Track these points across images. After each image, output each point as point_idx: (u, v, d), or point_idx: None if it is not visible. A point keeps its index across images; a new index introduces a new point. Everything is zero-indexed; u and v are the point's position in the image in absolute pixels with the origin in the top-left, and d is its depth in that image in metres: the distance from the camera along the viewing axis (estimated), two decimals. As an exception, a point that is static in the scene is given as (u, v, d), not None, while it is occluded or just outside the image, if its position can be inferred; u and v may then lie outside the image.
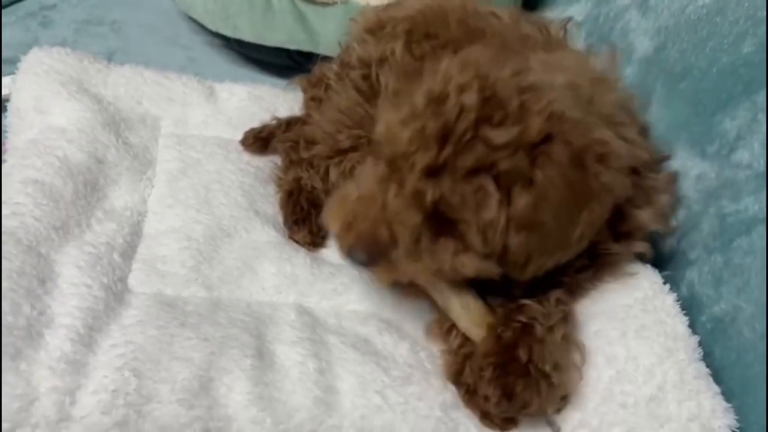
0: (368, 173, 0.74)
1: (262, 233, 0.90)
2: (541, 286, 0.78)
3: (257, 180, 0.98)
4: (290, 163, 1.00)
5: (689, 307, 0.86)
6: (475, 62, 0.70)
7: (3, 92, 1.06)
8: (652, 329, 0.78)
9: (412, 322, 0.84)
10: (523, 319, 0.75)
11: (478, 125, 0.66)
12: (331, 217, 0.75)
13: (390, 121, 0.71)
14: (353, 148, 0.96)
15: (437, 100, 0.68)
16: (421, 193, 0.67)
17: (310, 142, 0.99)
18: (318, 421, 0.71)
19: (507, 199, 0.67)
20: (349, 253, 0.73)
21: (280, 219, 0.95)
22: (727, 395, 0.78)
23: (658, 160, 0.88)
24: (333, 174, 0.97)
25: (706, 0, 1.01)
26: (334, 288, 0.86)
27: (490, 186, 0.66)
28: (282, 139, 1.02)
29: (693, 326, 0.84)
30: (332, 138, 0.97)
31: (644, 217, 0.81)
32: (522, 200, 0.67)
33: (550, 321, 0.76)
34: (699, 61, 0.98)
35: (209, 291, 0.82)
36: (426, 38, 0.98)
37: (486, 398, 0.72)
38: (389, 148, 0.70)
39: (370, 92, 0.97)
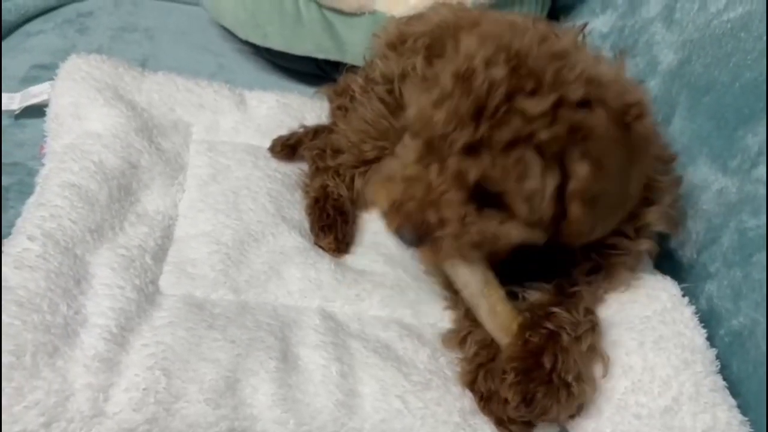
0: (408, 153, 0.76)
1: (289, 238, 0.93)
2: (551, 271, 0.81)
3: (284, 186, 1.01)
4: (317, 171, 1.02)
5: (708, 319, 0.87)
6: (495, 35, 0.71)
7: (42, 98, 1.10)
8: (670, 341, 0.79)
9: (432, 329, 0.86)
10: (550, 326, 0.76)
11: (511, 97, 0.66)
12: (378, 197, 0.77)
13: (422, 105, 0.72)
14: (377, 159, 0.99)
15: (464, 78, 0.68)
16: (462, 172, 0.69)
17: (337, 151, 1.01)
18: (340, 423, 0.73)
19: (560, 169, 0.69)
20: (398, 232, 0.74)
21: (306, 225, 0.97)
22: (744, 408, 0.79)
23: (668, 160, 0.88)
24: (358, 183, 1.00)
25: (731, 15, 1.02)
26: (357, 294, 0.88)
27: (532, 157, 0.67)
28: (309, 147, 1.05)
29: (711, 339, 0.85)
30: (357, 148, 0.99)
31: (651, 215, 0.82)
32: (582, 171, 0.68)
33: (578, 331, 0.77)
34: (722, 75, 0.99)
35: (237, 294, 0.85)
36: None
37: (505, 402, 0.73)
38: (425, 130, 0.72)
39: (394, 105, 1.00)
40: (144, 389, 0.70)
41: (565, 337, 0.76)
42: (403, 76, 1.00)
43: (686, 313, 0.84)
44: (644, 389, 0.76)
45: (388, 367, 0.78)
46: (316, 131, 1.08)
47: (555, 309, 0.78)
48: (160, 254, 0.87)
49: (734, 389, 0.81)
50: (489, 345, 0.79)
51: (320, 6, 1.20)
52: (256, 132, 1.10)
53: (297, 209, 0.99)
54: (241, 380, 0.74)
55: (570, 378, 0.74)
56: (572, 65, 0.69)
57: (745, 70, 0.95)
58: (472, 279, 0.78)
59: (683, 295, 0.85)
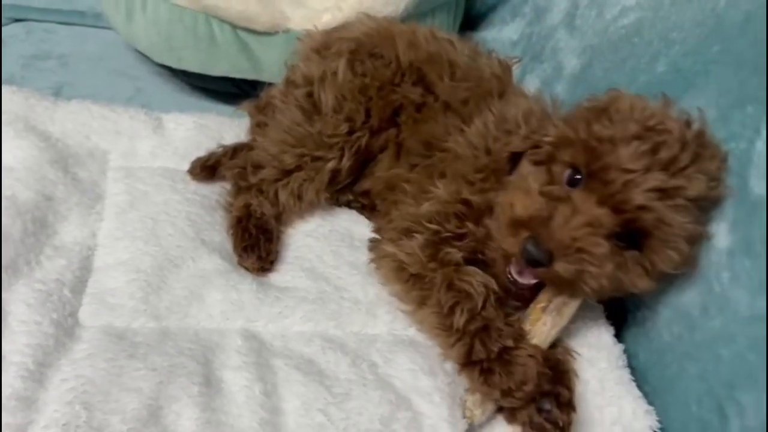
0: (543, 173, 0.79)
1: (209, 261, 0.93)
2: None
3: (204, 209, 1.01)
4: (239, 190, 1.03)
5: (615, 314, 0.91)
6: (671, 102, 0.80)
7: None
8: (576, 340, 0.83)
9: (356, 336, 0.88)
10: (561, 351, 0.83)
11: (696, 159, 0.74)
12: (515, 205, 0.77)
13: (597, 135, 0.75)
14: (298, 168, 1.00)
15: (654, 131, 0.74)
16: (636, 209, 0.72)
17: (257, 167, 1.02)
18: (264, 442, 0.75)
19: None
20: (528, 246, 0.74)
21: (228, 246, 0.98)
22: (651, 395, 0.84)
23: None
24: (282, 196, 1.01)
25: (625, 21, 1.07)
26: (279, 311, 0.89)
27: (698, 216, 0.75)
28: (229, 166, 1.05)
29: (620, 332, 0.90)
30: (277, 159, 1.01)
31: None
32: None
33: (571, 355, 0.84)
34: (620, 79, 1.04)
35: (158, 321, 0.85)
36: (370, 57, 1.03)
37: (558, 393, 0.78)
38: (594, 160, 0.74)
39: (312, 110, 1.02)
40: (64, 425, 0.70)
41: (570, 364, 0.82)
42: (323, 79, 1.03)
43: (594, 311, 0.88)
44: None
45: (311, 382, 0.80)
46: (236, 150, 1.09)
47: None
48: (78, 286, 0.87)
49: (642, 377, 0.86)
50: (479, 314, 0.80)
51: (234, 27, 1.21)
52: (174, 155, 1.10)
53: (218, 231, 0.99)
54: (164, 407, 0.75)
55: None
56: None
57: (639, 73, 1.01)
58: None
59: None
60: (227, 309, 0.88)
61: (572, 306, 0.81)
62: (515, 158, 0.87)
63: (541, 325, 0.80)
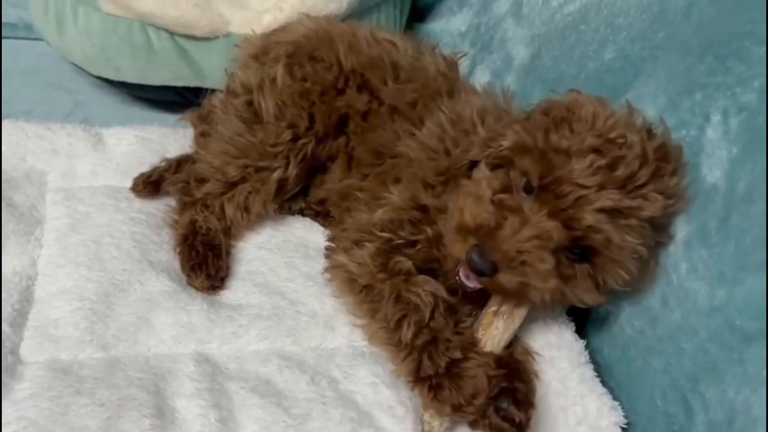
0: (495, 180, 0.76)
1: (157, 284, 0.89)
2: None
3: (150, 228, 0.97)
4: (184, 205, 0.99)
5: (578, 310, 0.89)
6: (635, 111, 0.77)
7: None
8: (537, 341, 0.82)
9: (314, 352, 0.86)
10: (521, 351, 0.82)
11: (654, 177, 0.71)
12: (464, 213, 0.75)
13: (554, 145, 0.72)
14: (243, 179, 0.97)
15: (614, 143, 0.71)
16: (586, 228, 0.70)
17: (200, 181, 0.98)
18: (222, 471, 0.72)
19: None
20: (473, 254, 0.72)
21: (177, 265, 0.94)
22: (617, 390, 0.82)
23: None
24: (229, 209, 0.97)
25: (571, 8, 1.05)
26: (233, 331, 0.86)
27: (651, 235, 0.73)
28: (173, 181, 1.01)
29: (584, 327, 0.89)
30: (221, 172, 0.97)
31: None
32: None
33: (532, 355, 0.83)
34: (569, 67, 1.02)
35: (105, 350, 0.82)
36: (310, 61, 1.00)
37: (514, 390, 0.76)
38: (547, 171, 0.71)
39: (253, 119, 0.99)
40: (6, 472, 0.66)
41: (531, 366, 0.81)
42: (261, 86, 1.00)
43: (555, 309, 0.87)
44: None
45: (268, 405, 0.77)
46: (180, 163, 1.05)
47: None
48: (19, 320, 0.83)
49: (607, 372, 0.85)
50: (427, 326, 0.78)
51: (172, 34, 1.16)
52: (116, 172, 1.05)
53: (165, 250, 0.95)
54: (114, 444, 0.71)
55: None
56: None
57: (588, 61, 0.99)
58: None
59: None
60: (178, 333, 0.85)
61: (524, 309, 0.80)
62: (474, 162, 0.84)
63: (494, 329, 0.79)
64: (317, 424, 0.76)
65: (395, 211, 0.87)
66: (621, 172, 0.70)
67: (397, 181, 0.91)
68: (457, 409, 0.74)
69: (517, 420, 0.76)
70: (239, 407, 0.77)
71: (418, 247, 0.83)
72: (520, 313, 0.79)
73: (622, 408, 0.80)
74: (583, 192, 0.69)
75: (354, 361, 0.84)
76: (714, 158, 0.76)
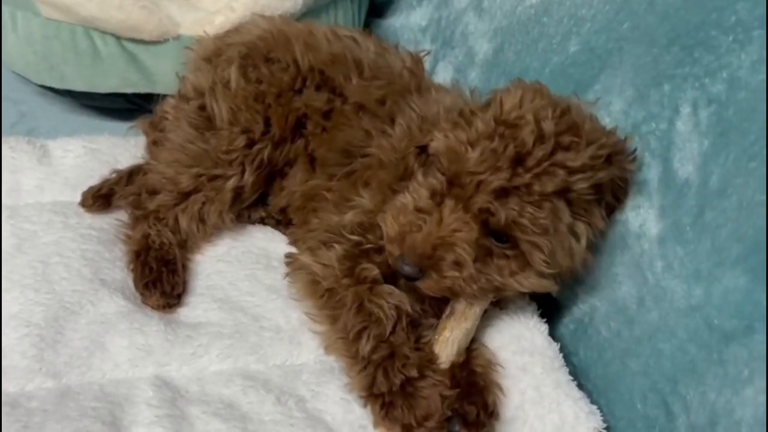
0: (422, 187, 0.75)
1: (111, 304, 0.84)
2: None
3: (101, 244, 0.92)
4: (137, 219, 0.94)
5: (550, 310, 0.87)
6: (539, 90, 0.75)
7: None
8: (507, 349, 0.79)
9: (280, 369, 0.82)
10: (482, 363, 0.79)
11: (555, 151, 0.69)
12: (388, 226, 0.75)
13: (454, 140, 0.71)
14: (196, 189, 0.93)
15: (510, 125, 0.70)
16: (487, 212, 0.69)
17: (152, 192, 0.94)
18: (186, 503, 0.68)
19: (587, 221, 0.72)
20: (400, 264, 0.73)
21: (131, 284, 0.89)
22: (594, 394, 0.80)
23: None
24: (183, 221, 0.93)
25: (533, 0, 1.02)
26: (192, 352, 0.81)
27: (565, 210, 0.69)
28: (124, 194, 0.96)
29: (557, 329, 0.86)
30: (172, 182, 0.93)
31: None
32: (601, 224, 0.74)
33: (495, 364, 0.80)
34: (533, 61, 0.99)
35: (56, 379, 0.77)
36: (265, 62, 0.96)
37: (464, 413, 0.73)
38: (452, 166, 0.71)
39: (205, 125, 0.94)
40: None
41: (492, 376, 0.78)
42: (214, 90, 0.95)
43: (526, 312, 0.84)
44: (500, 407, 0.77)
45: (232, 430, 0.73)
46: (131, 174, 1.00)
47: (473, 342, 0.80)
48: (-40, 350, 0.77)
49: (584, 375, 0.82)
50: (387, 340, 0.75)
51: (118, 38, 1.11)
52: (65, 186, 1.00)
53: (119, 267, 0.90)
54: (67, 482, 0.67)
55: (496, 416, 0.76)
56: (593, 121, 0.77)
57: (552, 54, 0.96)
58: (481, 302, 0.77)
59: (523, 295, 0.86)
60: (134, 356, 0.80)
61: (477, 308, 0.77)
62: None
63: (447, 332, 0.76)
64: (285, 448, 0.72)
65: (366, 215, 0.84)
66: (510, 151, 0.68)
67: (368, 183, 0.87)
68: (407, 429, 0.72)
69: None
70: (201, 433, 0.73)
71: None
72: (473, 312, 0.77)
73: (601, 412, 0.77)
74: (478, 178, 0.69)
75: (322, 378, 0.80)
76: (685, 152, 0.74)
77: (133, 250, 0.90)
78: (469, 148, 0.70)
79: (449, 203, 0.72)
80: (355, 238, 0.82)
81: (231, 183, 0.93)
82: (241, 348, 0.83)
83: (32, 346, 0.78)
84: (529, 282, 0.74)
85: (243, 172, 0.93)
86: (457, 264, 0.71)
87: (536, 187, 0.68)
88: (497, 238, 0.72)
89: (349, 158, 0.91)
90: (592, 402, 0.78)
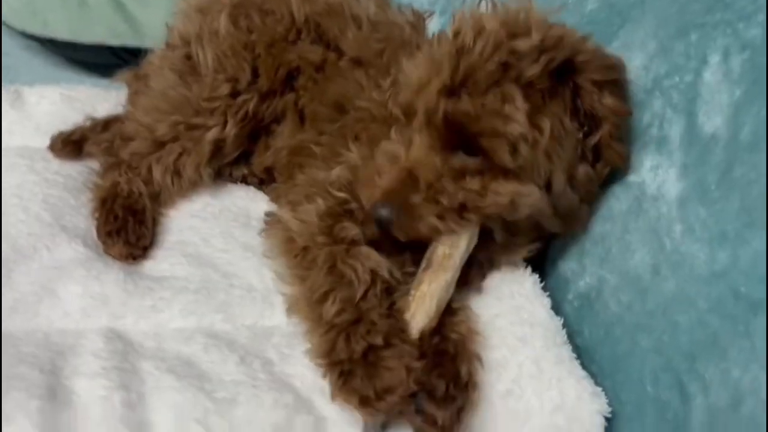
0: (397, 134, 0.71)
1: (68, 250, 0.77)
2: None
3: (67, 191, 0.85)
4: (108, 167, 0.87)
5: (555, 285, 0.79)
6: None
7: None
8: (506, 317, 0.71)
9: (249, 330, 0.74)
10: (461, 331, 0.69)
11: (499, 43, 0.65)
12: (361, 181, 0.71)
13: (407, 71, 0.69)
14: (174, 138, 0.86)
15: (454, 35, 0.67)
16: (444, 125, 0.65)
17: (126, 139, 0.87)
18: (126, 465, 0.59)
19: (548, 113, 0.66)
20: (375, 208, 0.67)
21: (95, 233, 0.81)
22: (600, 376, 0.71)
23: None
24: (157, 172, 0.86)
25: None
26: (152, 304, 0.73)
27: (517, 94, 0.64)
28: (97, 141, 0.90)
29: (560, 306, 0.78)
30: (149, 130, 0.86)
31: None
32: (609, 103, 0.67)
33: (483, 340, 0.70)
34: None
35: (-3, 324, 0.69)
36: (259, 12, 0.90)
37: (424, 385, 0.63)
38: (404, 93, 0.68)
39: (190, 73, 0.88)
40: None
41: (472, 347, 0.68)
42: (201, 37, 0.89)
43: (527, 283, 0.76)
44: (480, 377, 0.68)
45: (187, 388, 0.64)
46: (107, 124, 0.93)
47: (460, 309, 0.72)
48: None
49: (588, 356, 0.74)
50: (356, 305, 0.67)
51: (107, -15, 1.05)
52: (36, 132, 0.93)
53: (83, 216, 0.83)
54: (-8, 430, 0.58)
55: (473, 396, 0.66)
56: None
57: (566, 15, 0.88)
58: (459, 246, 0.68)
59: (526, 266, 0.78)
60: (87, 305, 0.72)
61: (457, 257, 0.68)
62: None
63: (425, 286, 0.68)
64: (245, 410, 0.64)
65: (354, 171, 0.76)
66: (450, 51, 0.65)
67: (358, 138, 0.80)
68: (364, 402, 0.62)
69: (440, 421, 0.63)
70: (152, 390, 0.64)
71: None
72: (452, 263, 0.68)
73: (606, 396, 0.68)
74: (425, 90, 0.66)
75: (294, 341, 0.71)
76: (713, 104, 0.66)
77: (99, 196, 0.84)
78: (415, 70, 0.67)
79: (415, 139, 0.67)
80: (341, 195, 0.74)
81: (211, 134, 0.86)
82: (207, 305, 0.75)
83: (-26, 288, 0.71)
84: (506, 189, 0.66)
85: (225, 123, 0.86)
86: (428, 190, 0.66)
87: (480, 75, 0.63)
88: (467, 152, 0.66)
89: (340, 113, 0.85)
90: (597, 385, 0.69)
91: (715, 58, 0.67)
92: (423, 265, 0.69)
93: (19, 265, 0.74)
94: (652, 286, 0.67)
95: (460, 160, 0.67)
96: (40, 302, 0.72)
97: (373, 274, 0.69)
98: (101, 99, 1.00)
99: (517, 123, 0.64)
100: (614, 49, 0.78)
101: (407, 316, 0.67)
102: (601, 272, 0.73)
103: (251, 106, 0.86)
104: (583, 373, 0.68)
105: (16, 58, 1.17)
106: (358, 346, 0.64)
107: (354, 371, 0.63)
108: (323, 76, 0.87)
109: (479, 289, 0.74)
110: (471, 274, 0.73)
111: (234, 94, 0.86)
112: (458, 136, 0.66)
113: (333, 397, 0.64)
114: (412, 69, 0.69)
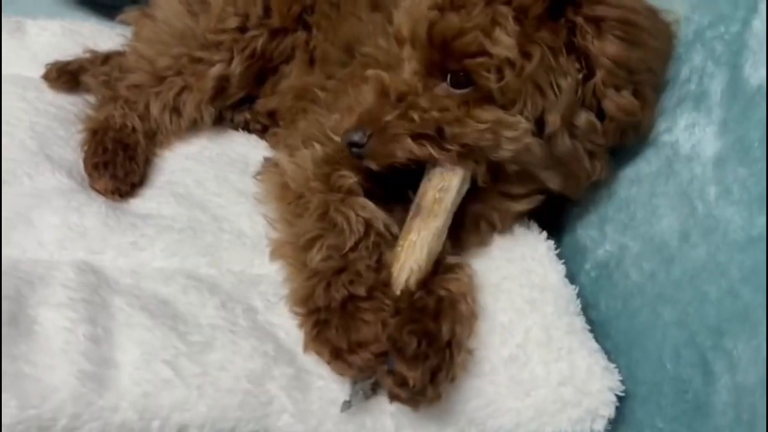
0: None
1: (51, 180, 0.72)
2: None
3: (58, 121, 0.80)
4: (104, 101, 0.82)
5: (572, 255, 0.73)
6: None
7: None
8: (515, 280, 0.65)
9: (235, 276, 0.68)
10: (452, 289, 0.61)
11: None
12: (342, 111, 0.69)
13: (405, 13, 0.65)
14: (176, 72, 0.81)
15: None
16: (430, 28, 0.60)
17: (126, 71, 0.82)
18: (84, 401, 0.54)
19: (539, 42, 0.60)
20: (347, 135, 0.63)
21: (82, 166, 0.77)
22: (614, 353, 0.65)
23: None
24: (155, 108, 0.81)
25: None
26: (133, 241, 0.68)
27: (509, 16, 0.59)
28: (95, 73, 0.85)
29: (577, 277, 0.71)
30: (150, 62, 0.81)
31: None
32: (610, 49, 0.60)
33: (473, 300, 0.63)
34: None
35: (-35, 250, 0.64)
36: None
37: (395, 342, 0.56)
38: (397, 16, 0.65)
39: (199, 5, 0.83)
40: None
41: (463, 307, 0.61)
42: None
43: (540, 248, 0.70)
44: (482, 341, 0.62)
45: (158, 327, 0.59)
46: (108, 56, 0.88)
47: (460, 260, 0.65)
48: None
49: (603, 331, 0.67)
50: (344, 254, 0.61)
51: None
52: (32, 62, 0.89)
53: (72, 148, 0.79)
54: (-57, 354, 0.53)
55: (458, 360, 0.58)
56: None
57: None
58: (450, 189, 0.63)
59: (540, 232, 0.72)
60: (64, 236, 0.67)
61: (447, 199, 0.62)
62: None
63: (414, 235, 0.61)
64: (219, 356, 0.58)
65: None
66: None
67: (364, 83, 0.74)
68: (336, 355, 0.56)
69: (411, 382, 0.55)
70: (121, 326, 0.59)
71: None
72: (442, 208, 0.62)
73: (620, 375, 0.62)
74: (413, 13, 0.62)
75: (282, 290, 0.66)
76: (761, 55, 0.59)
77: (90, 127, 0.79)
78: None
79: (402, 66, 0.63)
80: (338, 139, 0.68)
81: (215, 70, 0.81)
82: (192, 246, 0.69)
83: (-58, 208, 0.66)
84: (488, 116, 0.60)
85: (231, 59, 0.81)
86: (399, 104, 0.61)
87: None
88: (454, 85, 0.61)
89: (350, 56, 0.79)
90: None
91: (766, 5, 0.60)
92: (412, 211, 0.63)
93: (-4, 190, 0.69)
94: (679, 254, 0.61)
95: (444, 89, 0.62)
96: (13, 229, 0.67)
97: (368, 225, 0.63)
98: (105, 36, 0.95)
99: (504, 46, 0.58)
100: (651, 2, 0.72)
101: (396, 267, 0.61)
102: (623, 239, 0.67)
103: (260, 43, 0.81)
104: (596, 345, 0.62)
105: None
106: (338, 294, 0.58)
107: (330, 321, 0.57)
108: (337, 13, 0.82)
109: (481, 246, 0.68)
110: (465, 232, 0.68)
111: (242, 29, 0.81)
112: (444, 61, 0.61)
113: (305, 347, 0.58)
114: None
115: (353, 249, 0.61)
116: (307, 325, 0.58)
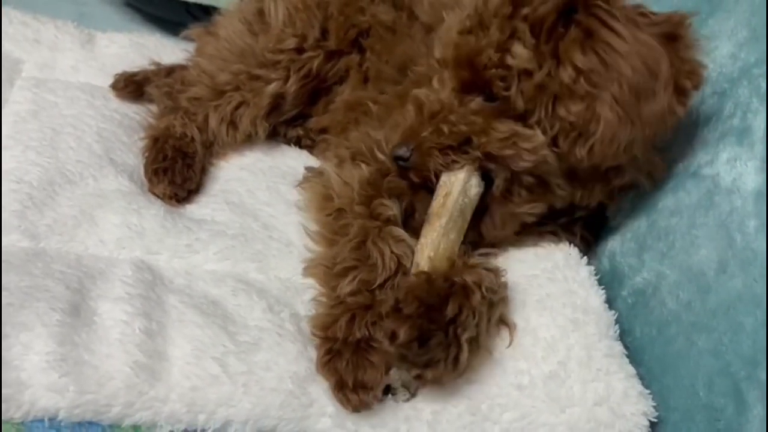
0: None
1: (113, 182, 0.76)
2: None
3: (122, 128, 0.85)
4: (166, 111, 0.87)
5: (610, 281, 0.74)
6: None
7: None
8: (558, 299, 0.66)
9: (282, 283, 0.71)
10: (468, 279, 0.62)
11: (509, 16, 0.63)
12: (389, 128, 0.72)
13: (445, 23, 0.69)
14: (235, 88, 0.85)
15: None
16: (455, 51, 0.65)
17: (187, 85, 0.86)
18: (136, 391, 0.57)
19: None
20: (393, 151, 0.67)
21: (142, 171, 0.81)
22: (647, 379, 0.66)
23: None
24: (213, 120, 0.85)
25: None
26: (188, 244, 0.72)
27: (525, 31, 0.62)
28: (158, 84, 0.89)
29: (613, 302, 0.73)
30: (211, 76, 0.85)
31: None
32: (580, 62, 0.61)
33: (495, 297, 0.64)
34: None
35: (34, 241, 0.68)
36: None
37: (392, 335, 0.57)
38: (437, 42, 0.69)
39: (259, 25, 0.87)
40: None
41: (477, 297, 0.62)
42: None
43: (582, 272, 0.72)
44: (525, 354, 0.63)
45: (209, 325, 0.62)
46: (171, 69, 0.93)
47: (478, 263, 0.66)
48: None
49: (637, 357, 0.68)
50: (372, 290, 0.64)
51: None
52: (101, 72, 0.94)
53: (134, 153, 0.83)
54: (10, 336, 0.57)
55: (464, 339, 0.59)
56: None
57: (651, 3, 0.84)
58: (452, 192, 0.65)
59: (582, 257, 0.73)
60: (123, 235, 0.71)
61: (449, 201, 0.64)
62: None
63: (422, 239, 0.65)
64: (266, 356, 0.61)
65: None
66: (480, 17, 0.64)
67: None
68: (339, 387, 0.59)
69: (400, 336, 0.57)
70: (174, 322, 0.62)
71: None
72: (447, 208, 0.64)
73: (652, 401, 0.63)
74: (448, 36, 0.66)
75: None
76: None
77: (151, 135, 0.83)
78: (448, 19, 0.68)
79: (440, 85, 0.67)
80: (383, 157, 0.71)
81: (272, 87, 0.84)
82: (243, 252, 0.73)
83: (17, 203, 0.71)
84: (508, 127, 0.64)
85: (287, 78, 0.85)
86: (432, 120, 0.65)
87: (490, 14, 0.63)
88: (488, 99, 0.65)
89: (403, 75, 0.82)
90: (643, 388, 0.64)
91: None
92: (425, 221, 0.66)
93: (64, 190, 0.74)
94: (716, 284, 0.62)
95: (479, 104, 0.65)
96: (78, 227, 0.71)
97: (399, 263, 0.65)
98: (169, 50, 1.00)
99: (521, 58, 0.62)
100: (701, 37, 0.74)
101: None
102: (661, 268, 0.68)
103: (316, 63, 0.85)
104: (632, 370, 0.63)
105: (93, 8, 1.20)
106: (359, 332, 0.61)
107: (342, 353, 0.60)
108: (393, 36, 0.85)
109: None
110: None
111: (300, 50, 0.84)
112: (475, 79, 0.65)
113: (316, 368, 0.61)
114: (448, 20, 0.69)
115: (381, 286, 0.64)
116: (321, 350, 0.61)
